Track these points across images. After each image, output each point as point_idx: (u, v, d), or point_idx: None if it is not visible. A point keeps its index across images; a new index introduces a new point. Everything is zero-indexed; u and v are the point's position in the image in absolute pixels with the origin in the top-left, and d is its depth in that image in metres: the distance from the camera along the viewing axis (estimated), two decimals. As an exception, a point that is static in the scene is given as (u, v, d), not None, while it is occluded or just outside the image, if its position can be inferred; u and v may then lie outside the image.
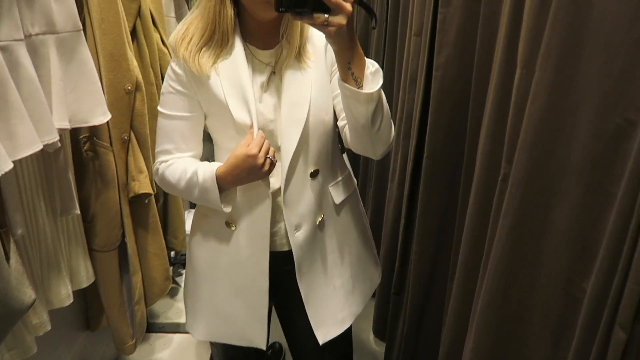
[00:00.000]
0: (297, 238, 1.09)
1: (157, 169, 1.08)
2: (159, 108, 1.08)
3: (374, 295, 2.34)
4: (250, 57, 1.05)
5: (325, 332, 1.16)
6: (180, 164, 1.06)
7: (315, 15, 0.84)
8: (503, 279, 1.04)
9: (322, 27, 0.85)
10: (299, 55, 1.05)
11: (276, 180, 1.08)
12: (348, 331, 1.27)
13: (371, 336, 2.33)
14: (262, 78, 1.06)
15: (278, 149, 1.06)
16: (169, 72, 1.06)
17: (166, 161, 1.07)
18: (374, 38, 2.59)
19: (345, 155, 1.27)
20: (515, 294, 1.03)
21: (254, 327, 1.14)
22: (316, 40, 1.08)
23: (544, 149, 0.94)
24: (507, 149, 1.06)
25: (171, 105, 1.06)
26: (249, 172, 1.00)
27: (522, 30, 1.01)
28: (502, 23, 1.13)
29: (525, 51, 0.99)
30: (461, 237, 1.31)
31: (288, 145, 1.04)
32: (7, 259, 0.80)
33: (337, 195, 1.17)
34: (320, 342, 1.15)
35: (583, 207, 0.87)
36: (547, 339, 0.96)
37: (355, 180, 1.29)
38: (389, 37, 2.22)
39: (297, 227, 1.09)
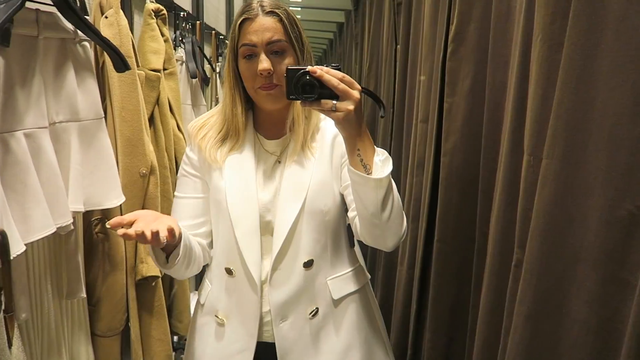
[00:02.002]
0: (282, 329, 1.05)
1: None
2: (175, 192, 1.15)
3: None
4: (257, 146, 1.10)
5: None
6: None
7: (323, 101, 0.87)
8: (522, 371, 0.99)
9: (330, 113, 0.87)
10: (304, 146, 1.08)
11: (265, 267, 1.06)
12: None
13: None
14: (266, 166, 1.10)
15: (272, 233, 1.07)
16: (184, 158, 1.14)
17: None
18: (381, 124, 2.68)
19: (357, 250, 1.22)
20: (536, 389, 0.97)
21: None
22: (325, 133, 1.11)
23: (556, 235, 0.93)
24: (519, 234, 1.05)
25: (184, 187, 1.13)
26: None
27: (527, 118, 1.04)
28: (507, 113, 1.17)
29: (532, 139, 1.01)
30: (475, 326, 1.26)
31: (281, 230, 1.05)
32: (10, 345, 0.78)
33: (336, 289, 1.11)
34: None
35: (601, 297, 0.84)
36: None
37: (367, 274, 1.24)
38: (396, 123, 2.30)
39: (284, 318, 1.05)
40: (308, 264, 1.06)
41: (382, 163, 0.94)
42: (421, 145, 1.77)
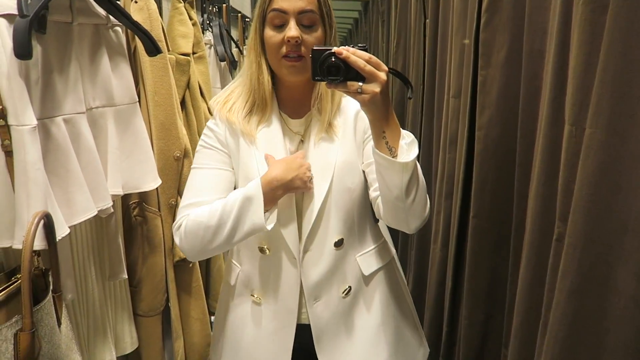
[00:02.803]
0: (316, 309, 1.05)
1: (180, 225, 1.00)
2: (192, 166, 1.06)
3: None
4: (282, 125, 1.07)
5: None
6: (208, 205, 1.00)
7: (349, 83, 0.85)
8: (565, 348, 0.97)
9: (356, 95, 0.85)
10: (329, 124, 1.06)
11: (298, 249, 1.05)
12: None
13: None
14: (291, 146, 1.07)
15: (301, 215, 1.04)
16: (205, 131, 1.07)
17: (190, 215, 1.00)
18: (410, 102, 2.63)
19: (382, 224, 1.19)
20: (581, 365, 0.95)
21: None
22: (347, 110, 1.08)
23: (602, 206, 0.90)
24: (561, 207, 1.02)
25: (207, 159, 1.04)
26: (297, 173, 0.99)
27: (569, 87, 1.00)
28: (546, 82, 1.13)
29: (574, 108, 0.98)
30: (514, 302, 1.24)
31: (309, 213, 1.03)
32: (59, 324, 0.81)
33: (366, 266, 1.11)
34: None
35: (650, 269, 0.81)
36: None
37: (393, 250, 1.23)
38: (427, 100, 2.26)
39: (317, 298, 1.05)
40: (339, 244, 1.06)
41: (408, 146, 0.92)
42: (453, 121, 1.73)
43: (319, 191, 1.03)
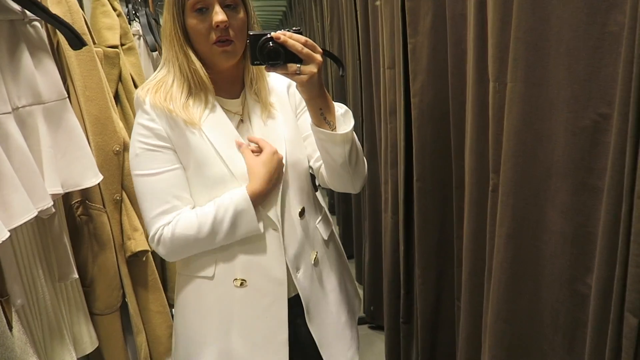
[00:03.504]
0: (300, 280, 1.07)
1: (161, 236, 0.99)
2: (135, 172, 1.00)
3: (382, 328, 2.30)
4: (219, 107, 1.05)
5: None
6: (190, 213, 1.00)
7: (289, 65, 0.89)
8: (507, 289, 1.05)
9: (294, 76, 0.90)
10: (266, 102, 1.07)
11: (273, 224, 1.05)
12: None
13: (386, 372, 2.27)
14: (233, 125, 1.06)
15: None
16: (138, 130, 1.00)
17: (168, 223, 0.99)
18: (349, 78, 2.67)
19: (318, 194, 1.26)
20: (522, 302, 1.03)
21: None
22: (277, 86, 1.11)
23: (528, 154, 0.97)
24: (493, 160, 1.09)
25: (151, 163, 0.99)
26: (279, 171, 1.02)
27: (489, 45, 1.06)
28: (469, 44, 1.18)
29: (495, 65, 1.04)
30: (462, 255, 1.32)
31: (275, 190, 1.05)
32: (10, 328, 0.79)
33: (323, 230, 1.17)
34: None
35: (574, 205, 0.89)
36: (560, 343, 0.95)
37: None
38: (364, 74, 2.30)
39: (297, 268, 1.07)
40: (302, 213, 1.09)
41: (344, 117, 0.98)
42: (391, 91, 1.78)
43: None
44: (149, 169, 0.99)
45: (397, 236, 1.84)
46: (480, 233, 1.19)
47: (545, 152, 0.94)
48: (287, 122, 1.09)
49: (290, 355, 1.07)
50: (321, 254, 1.15)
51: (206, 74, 1.00)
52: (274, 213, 1.04)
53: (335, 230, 1.30)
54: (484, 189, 1.16)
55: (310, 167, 1.14)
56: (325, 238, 1.17)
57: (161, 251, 1.01)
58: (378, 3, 1.62)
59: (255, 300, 1.05)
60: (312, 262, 1.11)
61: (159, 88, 1.01)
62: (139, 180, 1.00)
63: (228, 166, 1.01)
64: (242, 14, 0.99)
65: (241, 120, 1.08)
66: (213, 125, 1.02)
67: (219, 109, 1.04)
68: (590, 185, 0.85)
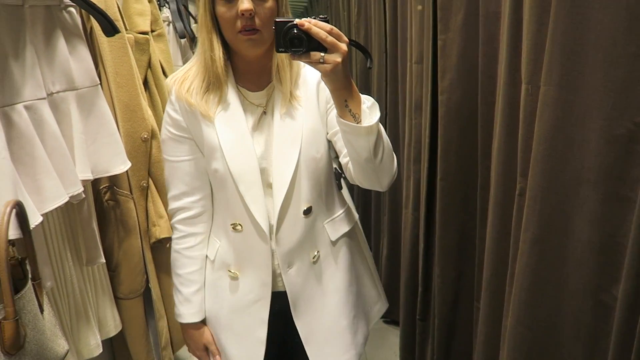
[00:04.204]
0: (290, 275, 1.09)
1: (173, 218, 1.13)
2: (162, 155, 1.11)
3: (396, 323, 2.31)
4: (241, 99, 1.07)
5: None
6: (186, 259, 1.13)
7: (312, 53, 0.87)
8: (530, 294, 1.04)
9: (318, 65, 0.87)
10: (291, 95, 1.07)
11: (270, 218, 1.08)
12: None
13: (399, 366, 2.28)
14: (253, 118, 1.07)
15: (270, 186, 1.07)
16: (165, 118, 1.08)
17: (182, 209, 1.11)
18: (374, 71, 2.65)
19: (345, 192, 1.26)
20: (544, 309, 1.02)
21: None
22: (309, 79, 1.09)
23: (558, 160, 0.95)
24: (521, 164, 1.07)
25: (173, 150, 1.08)
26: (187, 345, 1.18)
27: (523, 47, 1.04)
28: (502, 43, 1.16)
29: (529, 67, 1.02)
30: (483, 257, 1.31)
31: (281, 182, 1.05)
32: (41, 310, 0.82)
33: (333, 231, 1.16)
34: None
35: (603, 215, 0.87)
36: (581, 352, 0.94)
37: (356, 215, 1.27)
38: (390, 67, 2.28)
39: (290, 265, 1.09)
40: (307, 211, 1.09)
41: (369, 110, 0.95)
42: (417, 86, 1.76)
43: (289, 162, 1.05)
44: (171, 155, 1.09)
45: (417, 233, 1.83)
46: (504, 236, 1.18)
47: (576, 159, 0.92)
48: (309, 116, 1.08)
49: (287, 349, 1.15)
50: (325, 253, 1.14)
51: (223, 65, 1.02)
52: (262, 216, 1.06)
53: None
54: (510, 192, 1.15)
55: (338, 163, 1.13)
56: (333, 239, 1.15)
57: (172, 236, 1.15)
58: (420, 8, 1.60)
59: (242, 295, 1.12)
60: (312, 260, 1.12)
61: (186, 79, 1.05)
62: (165, 163, 1.12)
63: (227, 163, 1.03)
64: (270, 3, 0.98)
65: (264, 112, 1.08)
66: (225, 119, 1.04)
67: (237, 103, 1.05)
68: (621, 196, 0.83)
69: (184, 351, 1.81)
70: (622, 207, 0.83)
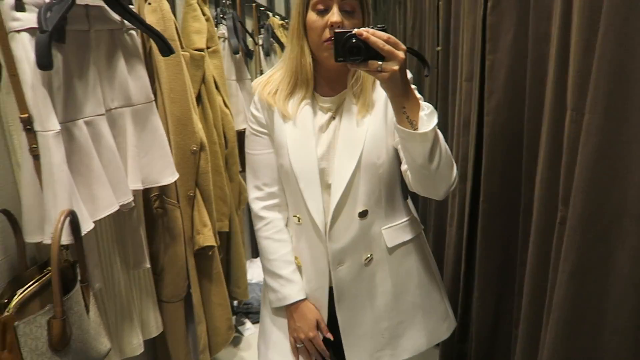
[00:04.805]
0: (339, 272, 1.14)
1: (252, 206, 1.22)
2: (245, 149, 1.23)
3: (437, 345, 2.26)
4: (314, 103, 1.15)
5: None
6: (274, 243, 1.19)
7: (370, 62, 0.90)
8: (567, 327, 1.00)
9: (376, 73, 0.91)
10: (363, 102, 1.13)
11: (326, 216, 1.14)
12: None
13: (438, 388, 2.24)
14: (321, 121, 1.14)
15: (328, 186, 1.13)
16: (249, 116, 1.21)
17: (264, 197, 1.20)
18: (427, 85, 2.63)
19: (410, 202, 1.29)
20: (581, 343, 0.98)
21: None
22: (380, 91, 1.14)
23: (600, 190, 0.92)
24: (563, 191, 1.04)
25: (255, 145, 1.20)
26: (294, 328, 1.19)
27: (570, 72, 1.01)
28: (550, 66, 1.14)
29: (574, 93, 0.99)
30: (523, 283, 1.27)
31: (338, 183, 1.11)
32: (87, 311, 0.89)
33: (390, 238, 1.19)
34: None
35: (646, 251, 0.83)
36: (620, 393, 0.90)
37: (421, 225, 1.30)
38: (441, 83, 2.26)
39: (340, 263, 1.14)
40: (363, 214, 1.14)
41: (427, 117, 0.97)
42: (466, 104, 1.74)
43: (347, 166, 1.11)
44: (252, 149, 1.20)
45: (460, 252, 1.80)
46: (544, 264, 1.14)
47: (619, 190, 0.89)
48: (375, 123, 1.13)
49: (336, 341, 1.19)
50: (379, 258, 1.18)
51: (312, 70, 1.11)
52: (317, 213, 1.13)
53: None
54: (551, 219, 1.11)
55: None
56: (390, 245, 1.19)
57: (256, 220, 1.23)
58: (439, 49, 1.60)
59: (306, 282, 1.19)
60: (364, 262, 1.16)
61: (269, 82, 1.16)
62: (246, 157, 1.22)
63: (290, 160, 1.12)
64: (357, 20, 1.06)
65: (332, 117, 1.15)
66: (299, 120, 1.13)
67: (309, 106, 1.14)
68: (665, 232, 0.80)
69: (219, 355, 1.87)
70: (665, 244, 0.80)
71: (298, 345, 1.18)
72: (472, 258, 1.68)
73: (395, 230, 1.20)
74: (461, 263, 1.75)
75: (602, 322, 0.94)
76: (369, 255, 1.17)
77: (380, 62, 0.89)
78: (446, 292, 1.36)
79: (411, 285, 1.23)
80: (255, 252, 2.61)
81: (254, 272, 2.23)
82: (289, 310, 1.19)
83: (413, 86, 1.17)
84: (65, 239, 0.85)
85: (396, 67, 0.89)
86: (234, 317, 1.77)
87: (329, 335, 1.18)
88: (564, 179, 1.04)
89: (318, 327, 1.18)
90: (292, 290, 1.17)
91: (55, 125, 0.88)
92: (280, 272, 1.17)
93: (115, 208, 1.00)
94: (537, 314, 1.18)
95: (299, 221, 1.18)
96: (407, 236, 1.22)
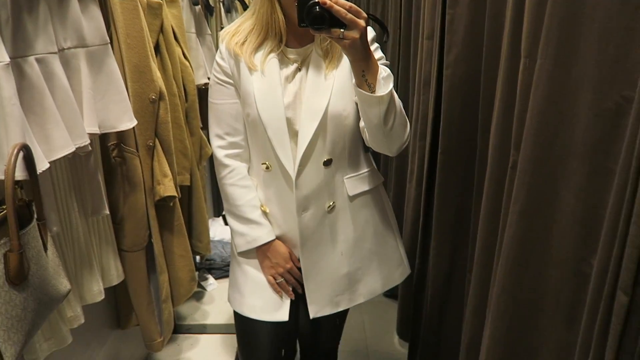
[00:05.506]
0: (304, 219, 1.18)
1: (215, 155, 1.24)
2: (208, 99, 1.23)
3: (396, 297, 2.35)
4: (280, 55, 1.17)
5: (317, 309, 1.24)
6: (237, 189, 1.21)
7: (333, 30, 0.93)
8: (515, 264, 1.06)
9: (338, 40, 0.95)
10: (327, 57, 1.16)
11: (294, 164, 1.17)
12: (343, 317, 1.40)
13: (395, 338, 2.34)
14: (287, 71, 1.17)
15: (295, 134, 1.16)
16: (214, 66, 1.21)
17: (226, 146, 1.22)
18: (389, 45, 2.64)
19: (370, 155, 1.34)
20: (528, 279, 1.04)
21: (279, 297, 1.23)
22: None
23: (549, 133, 0.97)
24: (515, 137, 1.09)
25: (219, 94, 1.21)
26: (269, 265, 1.22)
27: (524, 21, 1.04)
28: (507, 18, 1.16)
29: (528, 41, 1.02)
30: (477, 230, 1.33)
31: (305, 132, 1.14)
32: (45, 249, 0.87)
33: (352, 187, 1.24)
34: (311, 316, 1.24)
35: (588, 187, 0.89)
36: (560, 320, 0.97)
37: (381, 177, 1.35)
38: (403, 43, 2.28)
39: (305, 209, 1.18)
40: (327, 163, 1.18)
41: (384, 81, 1.04)
42: (427, 62, 1.76)
43: (315, 114, 1.14)
44: (215, 99, 1.22)
45: (418, 208, 1.86)
46: (497, 209, 1.20)
47: (566, 133, 0.94)
48: (341, 78, 1.16)
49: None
50: (341, 206, 1.23)
51: (285, 26, 1.12)
52: (287, 159, 1.16)
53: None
54: (504, 166, 1.16)
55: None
56: (351, 194, 1.24)
57: (219, 167, 1.26)
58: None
59: (275, 228, 1.23)
60: (326, 209, 1.20)
61: (237, 32, 1.17)
62: (210, 106, 1.23)
63: (258, 109, 1.14)
64: None
65: (299, 68, 1.17)
66: (265, 71, 1.15)
67: (275, 57, 1.15)
68: (606, 168, 0.85)
69: (183, 309, 1.89)
70: (606, 180, 0.85)
71: (278, 282, 1.22)
72: (430, 212, 1.73)
73: (356, 180, 1.26)
74: (420, 218, 1.81)
75: (547, 257, 1.00)
76: (331, 203, 1.21)
77: (342, 30, 0.93)
78: (402, 242, 1.41)
79: (369, 233, 1.29)
80: (218, 211, 2.60)
81: (216, 230, 2.23)
82: (261, 252, 1.22)
83: (375, 44, 1.21)
84: (20, 174, 0.82)
85: (357, 35, 0.93)
86: (197, 273, 1.78)
87: (299, 265, 1.22)
88: (517, 125, 1.08)
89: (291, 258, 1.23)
90: (263, 231, 1.20)
91: (4, 57, 0.84)
92: (249, 216, 1.19)
93: (71, 149, 0.98)
94: (489, 258, 1.24)
95: (267, 168, 1.20)
96: (367, 186, 1.28)
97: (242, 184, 1.21)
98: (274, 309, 1.23)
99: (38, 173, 0.88)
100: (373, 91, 1.03)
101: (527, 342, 1.05)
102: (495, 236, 1.20)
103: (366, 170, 1.28)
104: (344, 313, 1.40)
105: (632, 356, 0.71)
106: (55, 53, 1.00)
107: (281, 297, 1.24)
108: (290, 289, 1.23)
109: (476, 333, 1.31)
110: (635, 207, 0.66)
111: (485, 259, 1.27)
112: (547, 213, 1.00)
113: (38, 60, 0.96)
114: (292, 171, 1.16)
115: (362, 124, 1.18)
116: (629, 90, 0.79)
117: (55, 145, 0.95)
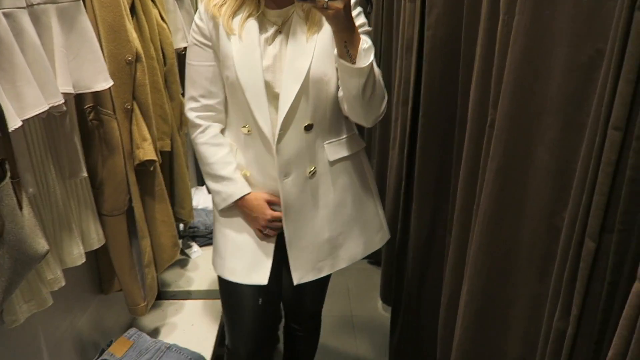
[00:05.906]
0: (286, 184, 1.19)
1: (187, 117, 1.26)
2: (186, 60, 1.22)
3: (380, 264, 2.39)
4: (260, 17, 1.15)
5: (301, 275, 1.26)
6: (211, 148, 1.22)
7: (317, 0, 0.94)
8: (492, 221, 1.08)
9: (322, 10, 0.96)
10: (309, 17, 1.15)
11: (274, 128, 1.16)
12: (326, 282, 1.44)
13: (379, 303, 2.38)
14: (267, 34, 1.16)
15: (276, 97, 1.15)
16: (193, 27, 1.21)
17: (200, 107, 1.23)
18: (373, 13, 2.61)
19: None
20: (503, 234, 1.06)
21: (259, 261, 1.24)
22: None
23: (524, 90, 0.98)
24: (493, 95, 1.09)
25: (196, 55, 1.21)
26: (252, 219, 1.23)
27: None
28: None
29: (506, -3, 1.02)
30: (457, 190, 1.35)
31: (287, 95, 1.13)
32: (20, 207, 0.86)
33: (332, 152, 1.24)
34: (295, 282, 1.25)
35: (561, 142, 0.90)
36: (533, 274, 1.00)
37: (362, 142, 1.35)
38: (386, 8, 2.25)
39: (287, 174, 1.18)
40: (308, 128, 1.18)
41: (365, 52, 1.05)
42: (409, 26, 1.74)
43: (295, 80, 1.13)
44: (192, 60, 1.22)
45: (401, 173, 1.87)
46: (475, 169, 1.21)
47: (541, 88, 0.94)
48: (323, 43, 1.15)
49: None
50: (322, 171, 1.23)
51: None
52: (266, 124, 1.15)
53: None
54: (483, 125, 1.17)
55: None
56: (331, 159, 1.24)
57: (190, 129, 1.28)
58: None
59: (254, 190, 1.23)
60: (308, 174, 1.20)
61: None
62: (187, 67, 1.24)
63: (236, 71, 1.13)
64: None
65: (279, 31, 1.16)
66: (243, 34, 1.14)
67: (255, 19, 1.14)
68: (578, 122, 0.86)
69: (167, 276, 1.90)
70: (578, 134, 0.86)
71: (265, 232, 1.23)
72: (412, 176, 1.74)
73: (336, 145, 1.26)
74: (401, 184, 1.83)
75: (522, 213, 1.02)
76: (312, 169, 1.22)
77: (326, 0, 0.94)
78: (382, 207, 1.43)
79: (349, 198, 1.30)
80: (201, 180, 2.59)
81: (199, 198, 2.23)
82: (239, 208, 1.23)
83: (358, 9, 1.19)
84: (-11, 130, 0.81)
85: (340, 6, 0.94)
86: (180, 241, 1.78)
87: (278, 201, 1.22)
88: (495, 83, 1.09)
89: (270, 204, 1.23)
90: (236, 187, 1.20)
91: (-32, 9, 0.81)
92: (221, 173, 1.19)
93: (45, 108, 0.96)
94: (467, 217, 1.26)
95: (248, 132, 1.20)
96: (348, 152, 1.28)
97: (213, 142, 1.22)
98: (253, 271, 1.24)
99: (10, 131, 0.86)
100: (354, 62, 1.04)
101: (503, 296, 1.08)
102: (473, 196, 1.22)
103: (346, 135, 1.28)
104: (327, 278, 1.41)
105: (599, 301, 0.73)
106: (23, 8, 0.97)
107: (262, 259, 1.24)
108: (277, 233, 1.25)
109: (455, 290, 1.34)
110: (603, 155, 0.67)
111: (463, 218, 1.29)
112: (522, 170, 1.01)
113: (5, 15, 0.92)
114: (270, 135, 1.16)
115: (340, 93, 1.18)
116: (602, 43, 0.79)
117: (27, 103, 0.93)
